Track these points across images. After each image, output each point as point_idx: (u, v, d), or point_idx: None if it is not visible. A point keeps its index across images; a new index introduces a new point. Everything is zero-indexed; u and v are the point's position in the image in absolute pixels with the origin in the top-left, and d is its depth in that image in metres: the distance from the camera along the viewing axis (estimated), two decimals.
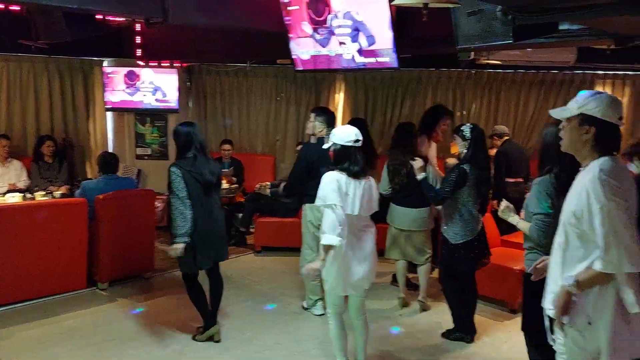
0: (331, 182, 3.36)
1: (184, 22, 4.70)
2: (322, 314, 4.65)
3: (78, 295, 5.13)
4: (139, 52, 7.21)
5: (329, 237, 3.26)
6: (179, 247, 3.92)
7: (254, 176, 7.38)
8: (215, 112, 8.48)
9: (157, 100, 7.52)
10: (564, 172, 2.92)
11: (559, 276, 2.35)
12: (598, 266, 2.18)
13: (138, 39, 7.15)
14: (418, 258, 4.93)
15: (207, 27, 5.53)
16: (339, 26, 4.61)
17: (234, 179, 7.08)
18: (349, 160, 3.42)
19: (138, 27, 6.92)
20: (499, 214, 3.41)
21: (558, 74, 7.92)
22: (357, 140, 3.46)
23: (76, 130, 7.74)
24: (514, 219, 3.31)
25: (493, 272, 4.82)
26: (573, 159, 2.50)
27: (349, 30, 4.56)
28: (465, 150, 4.14)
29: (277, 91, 8.38)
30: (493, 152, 6.40)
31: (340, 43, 4.69)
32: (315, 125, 4.77)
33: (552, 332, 2.45)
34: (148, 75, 7.46)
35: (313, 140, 4.86)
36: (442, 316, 4.69)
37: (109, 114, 7.86)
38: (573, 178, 2.81)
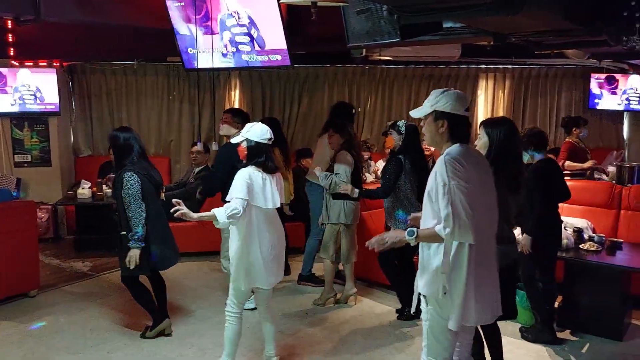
0: (245, 177, 3.39)
1: (59, 19, 4.36)
2: (254, 308, 4.41)
3: None
4: (11, 52, 6.62)
5: (219, 213, 3.31)
6: (136, 254, 3.92)
7: None
8: (101, 114, 7.95)
9: (35, 102, 6.95)
10: (513, 169, 3.22)
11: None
12: (437, 228, 2.47)
13: (10, 37, 6.56)
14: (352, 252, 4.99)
15: (85, 25, 5.17)
16: (232, 25, 4.50)
17: None
18: (265, 156, 3.48)
19: (10, 24, 6.33)
20: None
21: (445, 68, 8.33)
22: (270, 139, 3.53)
23: None
24: None
25: None
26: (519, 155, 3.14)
27: (241, 29, 4.47)
28: (399, 143, 4.47)
29: (170, 89, 8.05)
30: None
31: (233, 41, 4.58)
32: (230, 126, 4.68)
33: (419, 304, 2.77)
34: (24, 76, 6.88)
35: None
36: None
37: None
38: (519, 173, 3.29)
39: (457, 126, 2.59)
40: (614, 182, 5.87)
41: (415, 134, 4.48)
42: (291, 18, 4.46)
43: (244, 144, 3.51)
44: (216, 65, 4.89)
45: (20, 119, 7.15)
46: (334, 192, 4.67)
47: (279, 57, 4.39)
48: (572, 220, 4.94)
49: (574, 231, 4.59)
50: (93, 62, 7.65)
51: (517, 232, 3.88)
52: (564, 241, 4.38)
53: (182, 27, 4.77)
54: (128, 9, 4.65)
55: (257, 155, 3.48)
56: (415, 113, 2.67)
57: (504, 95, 8.54)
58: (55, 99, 6.96)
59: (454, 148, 2.56)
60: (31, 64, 6.88)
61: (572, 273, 4.47)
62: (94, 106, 7.92)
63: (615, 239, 4.66)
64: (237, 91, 8.15)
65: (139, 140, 4.16)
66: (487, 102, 8.57)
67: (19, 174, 7.21)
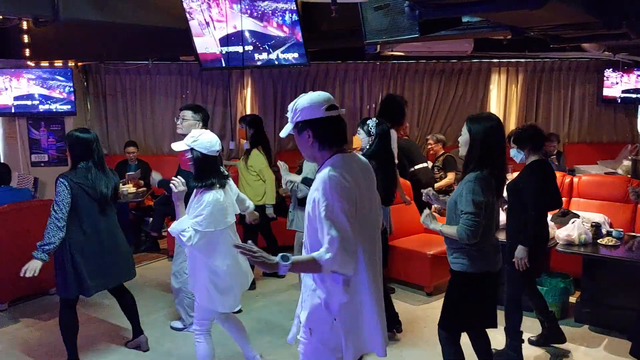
0: (218, 206, 3.12)
1: (76, 19, 4.39)
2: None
3: None
4: (27, 52, 6.68)
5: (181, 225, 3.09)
6: (37, 265, 3.51)
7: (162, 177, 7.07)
8: (116, 113, 8.04)
9: (51, 103, 7.01)
10: (495, 169, 2.95)
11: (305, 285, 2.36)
12: (315, 254, 2.14)
13: (26, 38, 6.62)
14: None
15: (101, 25, 5.21)
16: (249, 23, 4.51)
17: (142, 182, 6.75)
18: (215, 173, 3.16)
19: (25, 25, 6.39)
20: (421, 221, 3.22)
21: (457, 63, 8.30)
22: (218, 151, 3.20)
23: None
24: (436, 225, 3.13)
25: (410, 257, 5.00)
26: (501, 155, 2.67)
27: (257, 27, 4.48)
28: (368, 146, 4.08)
29: (182, 89, 8.09)
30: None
31: (248, 39, 4.59)
32: (191, 124, 4.27)
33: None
34: (39, 76, 6.93)
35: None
36: None
37: None
38: (502, 175, 2.99)
39: (322, 130, 2.23)
40: (629, 175, 5.83)
41: (387, 137, 4.12)
42: (304, 14, 4.42)
43: (188, 155, 3.16)
44: (233, 64, 4.89)
45: (36, 119, 7.22)
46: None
47: (295, 55, 4.39)
48: (589, 215, 4.92)
49: (591, 226, 4.57)
50: (108, 62, 7.71)
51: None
52: (582, 236, 4.34)
53: (198, 26, 4.79)
54: (143, 8, 4.67)
55: (209, 171, 3.13)
56: (283, 133, 2.34)
57: (517, 89, 8.51)
58: (71, 99, 7.01)
59: (336, 161, 2.20)
60: (47, 64, 6.93)
61: (590, 268, 4.46)
62: (109, 106, 8.00)
63: (634, 234, 4.63)
64: (249, 89, 8.18)
65: (98, 144, 3.71)
66: (500, 96, 8.54)
67: (36, 173, 7.28)
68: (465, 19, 3.26)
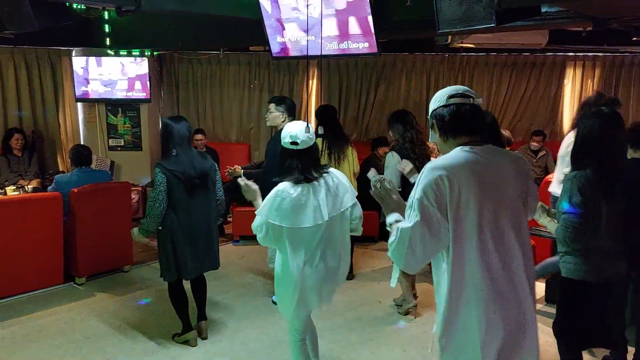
0: (275, 197, 2.81)
1: (157, 9, 4.58)
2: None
3: (55, 291, 5.02)
4: (108, 41, 7.03)
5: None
6: (137, 237, 3.92)
7: (229, 165, 7.25)
8: (187, 102, 8.34)
9: (128, 90, 7.34)
10: (604, 167, 2.71)
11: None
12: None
13: (107, 28, 6.96)
14: None
15: (179, 15, 5.40)
16: (319, 12, 4.54)
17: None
18: (294, 167, 2.84)
19: (107, 15, 6.71)
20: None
21: (529, 56, 8.04)
22: (292, 143, 2.82)
23: (45, 123, 7.54)
24: (545, 220, 2.91)
25: None
26: (614, 154, 2.51)
27: (329, 15, 4.50)
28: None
29: (251, 79, 8.27)
30: None
31: (320, 29, 4.62)
32: (275, 115, 4.46)
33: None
34: (118, 64, 7.27)
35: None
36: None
37: (80, 105, 7.66)
38: (613, 174, 2.73)
39: (443, 121, 2.07)
40: None
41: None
42: (377, 3, 4.39)
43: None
44: (302, 53, 4.95)
45: (114, 105, 7.59)
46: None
47: (366, 45, 4.39)
48: None
49: None
50: (181, 51, 7.98)
51: None
52: None
53: (270, 16, 4.88)
54: None
55: (288, 163, 2.88)
56: (431, 139, 2.21)
57: (593, 84, 8.14)
58: (147, 87, 7.32)
59: (450, 153, 2.06)
60: (125, 53, 7.26)
61: None
62: (181, 94, 8.31)
63: None
64: (315, 79, 8.25)
65: (181, 130, 3.79)
66: (575, 91, 8.21)
67: (112, 157, 7.68)
68: (544, 9, 3.17)
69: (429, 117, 2.16)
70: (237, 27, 5.85)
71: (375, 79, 8.21)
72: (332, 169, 2.98)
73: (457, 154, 2.03)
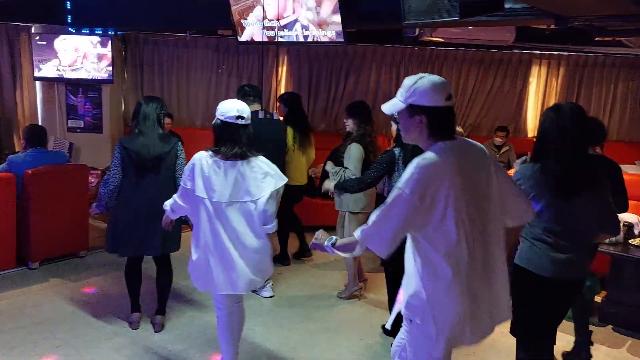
0: (190, 163, 3.02)
1: None
2: (272, 296, 4.67)
3: (7, 275, 4.87)
4: (70, 19, 6.80)
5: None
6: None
7: (193, 151, 7.05)
8: (152, 85, 8.15)
9: (90, 70, 7.13)
10: (558, 164, 2.59)
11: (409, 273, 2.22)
12: (356, 233, 2.18)
13: (69, 5, 6.73)
14: None
15: None
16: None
17: None
18: (226, 140, 2.95)
19: None
20: None
21: (497, 53, 8.12)
22: (239, 117, 2.95)
23: (2, 101, 7.28)
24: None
25: None
26: (576, 152, 2.52)
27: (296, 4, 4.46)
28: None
29: (219, 63, 8.14)
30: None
31: (288, 17, 4.57)
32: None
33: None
34: (79, 43, 7.05)
35: (260, 115, 4.68)
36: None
37: (38, 84, 7.42)
38: (571, 172, 2.60)
39: (437, 120, 2.10)
40: None
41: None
42: None
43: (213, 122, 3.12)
44: (269, 41, 4.89)
45: (75, 85, 7.36)
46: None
47: (333, 34, 4.36)
48: (622, 215, 4.79)
49: (623, 225, 4.46)
50: (147, 32, 7.79)
51: None
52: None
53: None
54: None
55: (220, 137, 3.03)
56: (387, 108, 2.19)
57: (557, 83, 8.29)
58: (109, 68, 7.12)
59: (434, 148, 2.10)
60: (87, 31, 7.04)
61: (618, 268, 4.36)
62: (146, 76, 8.11)
63: None
64: (285, 67, 8.17)
65: (146, 109, 3.78)
66: (539, 89, 8.34)
67: (71, 138, 7.47)
68: (508, 5, 3.19)
69: (406, 107, 2.11)
70: (205, 10, 5.74)
71: (345, 69, 8.18)
72: (262, 157, 3.05)
73: (441, 148, 2.09)
